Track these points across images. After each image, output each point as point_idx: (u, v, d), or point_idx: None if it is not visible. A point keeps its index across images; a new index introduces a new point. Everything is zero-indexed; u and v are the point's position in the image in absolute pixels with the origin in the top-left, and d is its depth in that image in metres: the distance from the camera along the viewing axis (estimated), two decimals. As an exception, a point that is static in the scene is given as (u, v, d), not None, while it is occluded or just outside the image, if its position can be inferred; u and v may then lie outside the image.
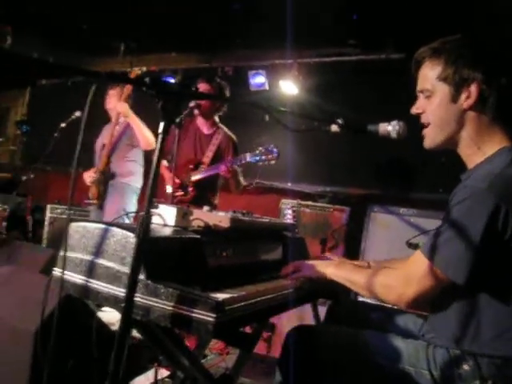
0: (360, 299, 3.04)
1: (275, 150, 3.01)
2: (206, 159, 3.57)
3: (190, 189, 3.53)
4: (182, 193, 3.53)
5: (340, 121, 1.62)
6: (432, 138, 1.52)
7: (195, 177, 3.52)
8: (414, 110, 1.55)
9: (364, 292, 1.57)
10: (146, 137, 3.86)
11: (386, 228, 3.67)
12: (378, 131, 1.62)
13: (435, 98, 1.48)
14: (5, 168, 6.84)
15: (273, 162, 3.04)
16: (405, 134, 1.57)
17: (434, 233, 1.38)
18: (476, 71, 1.41)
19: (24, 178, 5.37)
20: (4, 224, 4.84)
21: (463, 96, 1.43)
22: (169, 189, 3.44)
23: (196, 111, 3.48)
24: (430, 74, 1.49)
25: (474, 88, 1.41)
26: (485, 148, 1.44)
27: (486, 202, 1.27)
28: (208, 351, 3.34)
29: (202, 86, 3.57)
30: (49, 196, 5.98)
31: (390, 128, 1.59)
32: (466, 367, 1.33)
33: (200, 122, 3.71)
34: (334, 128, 1.64)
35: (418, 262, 1.39)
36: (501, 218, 1.26)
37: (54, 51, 5.83)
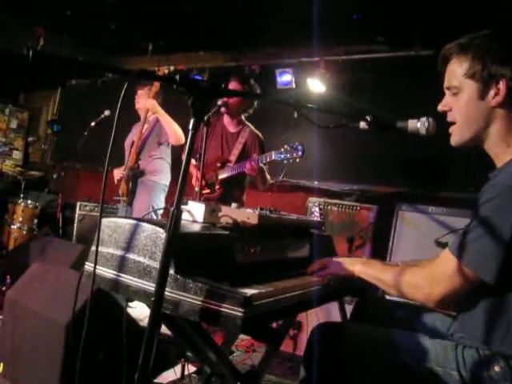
0: (387, 297, 3.01)
1: (300, 147, 3.00)
2: (233, 157, 3.59)
3: (217, 187, 3.56)
4: (209, 191, 3.55)
5: (369, 118, 1.61)
6: (459, 135, 1.50)
7: (222, 175, 3.54)
8: (441, 108, 1.53)
9: (391, 290, 1.56)
10: (175, 131, 3.90)
11: (414, 227, 3.62)
12: (407, 128, 1.60)
13: (462, 95, 1.45)
14: (36, 166, 7.03)
15: (298, 159, 3.04)
16: (434, 131, 1.54)
17: (463, 231, 1.36)
18: (504, 67, 1.38)
19: (55, 176, 5.51)
20: (35, 221, 4.99)
21: (491, 93, 1.40)
22: (197, 188, 3.47)
23: (223, 109, 3.50)
24: (457, 71, 1.46)
25: (502, 85, 1.38)
26: None
27: None
28: (234, 348, 3.36)
29: (234, 85, 3.59)
30: (79, 193, 6.12)
31: (419, 125, 1.57)
32: (496, 369, 1.31)
33: (226, 120, 3.73)
34: (363, 125, 1.63)
35: (446, 261, 1.37)
36: None
37: (83, 52, 5.95)
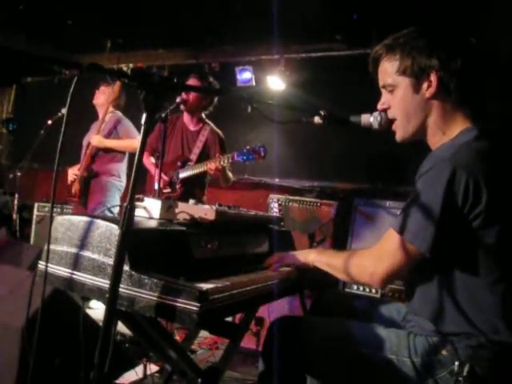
0: (347, 290, 3.07)
1: (262, 148, 3.01)
2: (194, 156, 3.58)
3: (178, 186, 3.55)
4: (170, 190, 3.53)
5: (322, 112, 1.64)
6: (402, 130, 1.55)
7: (183, 174, 3.52)
8: (380, 106, 1.58)
9: (343, 275, 1.60)
10: (133, 149, 3.92)
11: (372, 221, 3.70)
12: (361, 122, 1.63)
13: (398, 91, 1.51)
14: (-9, 167, 6.80)
15: (260, 160, 3.05)
16: (387, 125, 1.58)
17: (403, 207, 1.40)
18: (432, 59, 1.43)
19: (11, 176, 5.34)
20: (-9, 223, 4.83)
21: (424, 85, 1.46)
22: (156, 186, 3.44)
23: (182, 107, 3.48)
24: (389, 70, 1.51)
25: (433, 76, 1.44)
26: (448, 132, 1.47)
27: (445, 170, 1.29)
28: (197, 346, 3.35)
29: (192, 82, 3.57)
30: (36, 194, 5.95)
31: (372, 119, 1.60)
32: (444, 352, 1.35)
33: (186, 118, 3.71)
34: (317, 119, 1.66)
35: (389, 238, 1.41)
36: (459, 184, 1.28)
37: (40, 49, 5.79)
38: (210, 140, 3.63)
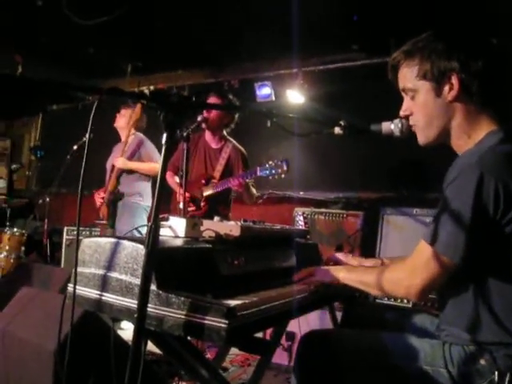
0: (378, 301, 3.01)
1: (284, 162, 3.00)
2: (217, 173, 3.61)
3: (203, 203, 3.56)
4: (195, 208, 3.55)
5: (342, 123, 1.63)
6: (425, 135, 1.52)
7: (207, 192, 3.54)
8: (402, 113, 1.56)
9: (376, 292, 1.56)
10: (154, 172, 4.00)
11: (400, 230, 3.64)
12: (382, 130, 1.62)
13: (419, 96, 1.48)
14: (21, 193, 6.97)
15: (283, 175, 3.03)
16: (408, 132, 1.56)
17: (434, 217, 1.37)
18: (452, 61, 1.40)
19: (40, 201, 5.46)
20: (23, 248, 4.93)
21: (446, 88, 1.43)
22: (181, 204, 3.46)
23: (203, 125, 3.51)
24: (408, 75, 1.50)
25: (454, 79, 1.41)
26: (474, 135, 1.43)
27: (472, 176, 1.26)
28: (229, 364, 3.33)
29: (212, 100, 3.61)
30: (65, 218, 6.07)
31: (393, 126, 1.59)
32: (482, 362, 1.31)
33: (208, 136, 3.74)
34: (337, 130, 1.65)
35: (422, 250, 1.37)
36: (488, 190, 1.25)
37: (62, 76, 5.95)
38: (233, 157, 3.65)
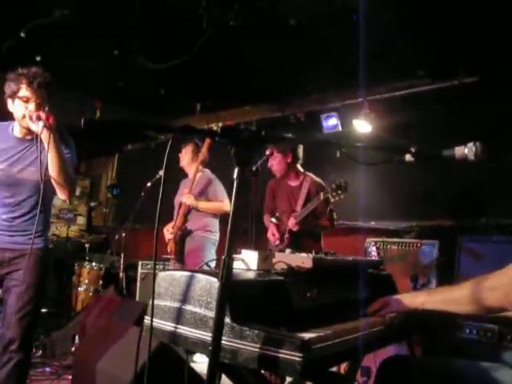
0: (459, 334, 2.84)
1: (343, 182, 3.26)
2: (299, 207, 3.72)
3: (286, 236, 3.69)
4: (279, 241, 3.70)
5: (413, 149, 1.59)
6: None
7: (290, 223, 3.66)
8: None
9: (465, 306, 1.46)
10: (220, 210, 4.11)
11: (479, 259, 3.45)
12: (455, 156, 1.56)
13: None
14: (99, 230, 7.34)
15: (342, 196, 3.30)
16: (483, 155, 1.50)
17: None
18: None
19: (116, 237, 5.71)
20: (100, 282, 5.16)
21: None
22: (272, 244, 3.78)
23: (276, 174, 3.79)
24: None
25: None
26: None
27: None
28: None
29: (271, 151, 3.74)
30: (140, 252, 6.29)
31: (467, 151, 1.53)
32: None
33: (286, 177, 3.87)
34: (408, 157, 1.61)
35: None
36: None
37: (136, 117, 6.29)
38: (312, 190, 3.73)
